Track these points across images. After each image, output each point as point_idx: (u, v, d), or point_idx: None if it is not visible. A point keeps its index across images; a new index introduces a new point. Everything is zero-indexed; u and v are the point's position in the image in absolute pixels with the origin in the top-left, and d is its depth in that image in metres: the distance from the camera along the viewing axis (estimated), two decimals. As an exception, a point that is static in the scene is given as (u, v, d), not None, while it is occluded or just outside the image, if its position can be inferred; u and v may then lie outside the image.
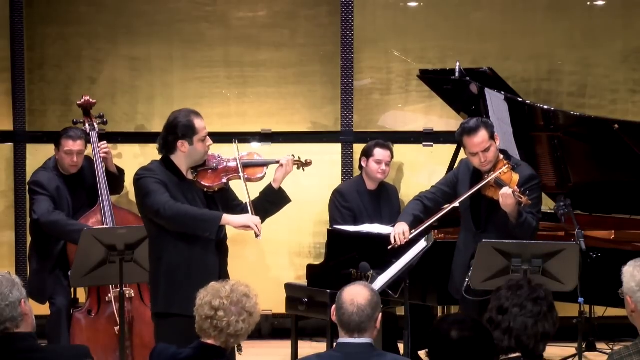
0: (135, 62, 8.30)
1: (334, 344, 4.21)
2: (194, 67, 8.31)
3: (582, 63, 8.29)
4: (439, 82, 7.64)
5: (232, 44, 8.32)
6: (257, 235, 5.58)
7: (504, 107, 7.13)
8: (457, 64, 7.41)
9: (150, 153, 8.23)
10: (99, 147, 7.41)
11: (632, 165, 6.96)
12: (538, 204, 6.27)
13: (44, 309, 7.05)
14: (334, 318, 4.16)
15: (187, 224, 5.54)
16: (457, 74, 7.38)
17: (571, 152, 7.24)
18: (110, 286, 6.92)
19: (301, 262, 8.13)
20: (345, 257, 6.76)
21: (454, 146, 7.43)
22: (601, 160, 7.16)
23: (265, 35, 8.32)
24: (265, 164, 5.86)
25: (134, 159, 8.25)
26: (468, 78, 7.36)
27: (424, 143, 8.32)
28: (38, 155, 8.08)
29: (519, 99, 7.33)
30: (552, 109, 7.37)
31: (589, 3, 8.32)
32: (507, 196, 6.02)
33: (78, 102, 7.62)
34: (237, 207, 5.79)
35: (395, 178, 8.27)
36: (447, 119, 8.22)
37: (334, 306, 4.16)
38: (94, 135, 7.47)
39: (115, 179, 7.50)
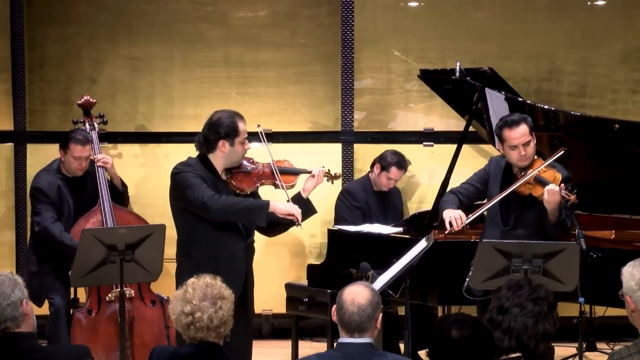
0: (135, 62, 8.30)
1: (335, 344, 4.21)
2: (194, 67, 8.31)
3: (582, 63, 8.29)
4: (439, 82, 7.64)
5: (233, 44, 8.32)
6: (298, 224, 5.80)
7: (504, 107, 7.13)
8: (458, 63, 7.41)
9: (150, 153, 8.26)
10: (95, 158, 7.34)
11: (632, 165, 6.96)
12: (570, 206, 6.26)
13: (44, 309, 7.05)
14: (334, 318, 4.16)
15: (236, 214, 5.70)
16: (457, 74, 7.38)
17: (571, 152, 7.23)
18: (112, 286, 6.92)
19: (301, 262, 8.13)
20: (345, 257, 6.77)
21: (454, 146, 7.43)
22: (601, 160, 7.16)
23: (265, 35, 8.32)
24: (297, 173, 5.96)
25: (134, 159, 8.26)
26: (468, 78, 7.36)
27: (424, 143, 8.32)
28: (38, 155, 8.08)
29: (520, 99, 7.33)
30: (553, 108, 7.37)
31: (589, 3, 8.31)
32: (554, 193, 6.01)
33: (78, 102, 7.62)
34: None
35: (395, 178, 8.28)
36: (447, 119, 8.22)
37: (334, 306, 4.16)
38: (94, 135, 7.46)
39: (118, 193, 7.40)
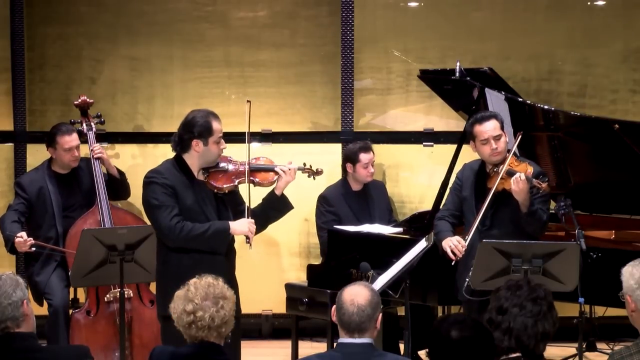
0: (135, 62, 8.30)
1: (334, 344, 4.21)
2: (194, 67, 8.32)
3: (582, 63, 8.29)
4: (439, 82, 7.63)
5: (232, 44, 8.32)
6: (248, 242, 5.70)
7: (504, 107, 7.13)
8: (458, 63, 7.41)
9: (149, 153, 8.26)
10: (92, 149, 7.35)
11: (632, 165, 6.96)
12: (547, 201, 6.29)
13: (43, 310, 7.04)
14: (334, 318, 4.17)
15: (197, 244, 5.57)
16: (457, 74, 7.38)
17: (571, 152, 7.24)
18: (110, 286, 6.92)
19: (301, 262, 8.13)
20: (345, 257, 6.76)
21: (454, 146, 7.42)
22: (601, 160, 7.16)
23: (265, 35, 8.32)
24: (274, 170, 5.86)
25: (132, 159, 8.26)
26: (468, 78, 7.36)
27: (424, 143, 8.32)
28: (38, 155, 8.07)
29: (519, 99, 7.33)
30: (552, 109, 7.37)
31: (589, 3, 8.32)
32: (518, 181, 6.04)
33: (75, 102, 7.62)
34: (242, 213, 5.80)
35: (395, 178, 8.28)
36: (447, 119, 8.22)
37: (334, 306, 4.16)
38: (91, 135, 7.45)
39: (117, 182, 7.43)
